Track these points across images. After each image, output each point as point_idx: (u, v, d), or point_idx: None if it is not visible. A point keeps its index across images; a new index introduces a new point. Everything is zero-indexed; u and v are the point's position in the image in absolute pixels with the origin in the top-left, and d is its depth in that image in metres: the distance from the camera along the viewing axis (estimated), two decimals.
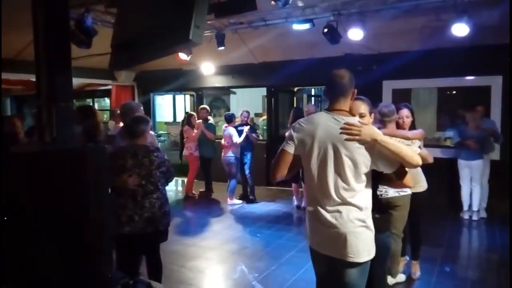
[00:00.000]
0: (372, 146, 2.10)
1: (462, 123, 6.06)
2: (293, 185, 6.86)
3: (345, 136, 2.10)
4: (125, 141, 3.37)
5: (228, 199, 7.27)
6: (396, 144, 2.17)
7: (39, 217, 1.72)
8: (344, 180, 2.13)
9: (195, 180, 7.93)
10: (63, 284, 1.65)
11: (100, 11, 5.06)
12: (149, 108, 10.22)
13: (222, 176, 7.68)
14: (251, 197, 7.39)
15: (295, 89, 10.02)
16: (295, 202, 6.93)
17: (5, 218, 1.84)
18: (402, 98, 6.54)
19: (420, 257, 4.07)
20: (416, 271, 4.05)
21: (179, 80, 9.14)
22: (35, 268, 1.71)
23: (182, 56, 6.66)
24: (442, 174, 6.23)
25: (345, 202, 2.14)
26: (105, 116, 11.99)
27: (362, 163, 2.12)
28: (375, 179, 2.27)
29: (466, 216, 6.08)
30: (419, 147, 3.57)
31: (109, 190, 2.99)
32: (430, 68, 6.55)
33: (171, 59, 5.42)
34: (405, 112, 3.77)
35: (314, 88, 11.46)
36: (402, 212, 3.59)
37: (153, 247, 3.31)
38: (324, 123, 2.19)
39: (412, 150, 2.54)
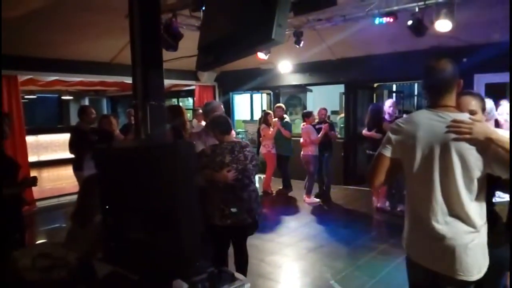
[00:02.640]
0: (486, 147, 1.84)
1: None
2: None
3: (453, 136, 1.84)
4: (209, 137, 3.55)
5: (305, 197, 7.26)
6: None
7: (135, 206, 1.89)
8: (453, 186, 1.89)
9: (272, 177, 8.05)
10: (155, 268, 1.80)
11: (186, 15, 5.34)
12: (228, 107, 10.59)
13: (300, 174, 7.70)
14: (328, 195, 7.30)
15: (375, 85, 9.67)
16: (375, 203, 6.69)
17: (107, 207, 2.05)
18: (496, 93, 6.00)
19: None
20: None
21: (257, 79, 9.31)
22: (131, 253, 1.88)
23: (261, 55, 6.78)
24: None
25: (453, 212, 1.91)
26: (188, 115, 12.65)
27: (475, 166, 1.86)
28: (490, 185, 1.98)
29: None
30: None
31: (210, 185, 3.18)
32: None
33: (250, 59, 5.51)
34: (507, 108, 3.34)
35: (396, 84, 10.93)
36: None
37: (246, 237, 3.47)
38: (427, 122, 1.95)
39: None
